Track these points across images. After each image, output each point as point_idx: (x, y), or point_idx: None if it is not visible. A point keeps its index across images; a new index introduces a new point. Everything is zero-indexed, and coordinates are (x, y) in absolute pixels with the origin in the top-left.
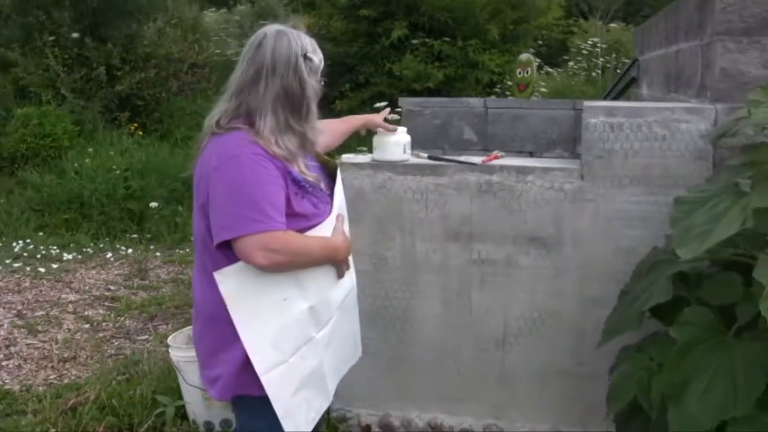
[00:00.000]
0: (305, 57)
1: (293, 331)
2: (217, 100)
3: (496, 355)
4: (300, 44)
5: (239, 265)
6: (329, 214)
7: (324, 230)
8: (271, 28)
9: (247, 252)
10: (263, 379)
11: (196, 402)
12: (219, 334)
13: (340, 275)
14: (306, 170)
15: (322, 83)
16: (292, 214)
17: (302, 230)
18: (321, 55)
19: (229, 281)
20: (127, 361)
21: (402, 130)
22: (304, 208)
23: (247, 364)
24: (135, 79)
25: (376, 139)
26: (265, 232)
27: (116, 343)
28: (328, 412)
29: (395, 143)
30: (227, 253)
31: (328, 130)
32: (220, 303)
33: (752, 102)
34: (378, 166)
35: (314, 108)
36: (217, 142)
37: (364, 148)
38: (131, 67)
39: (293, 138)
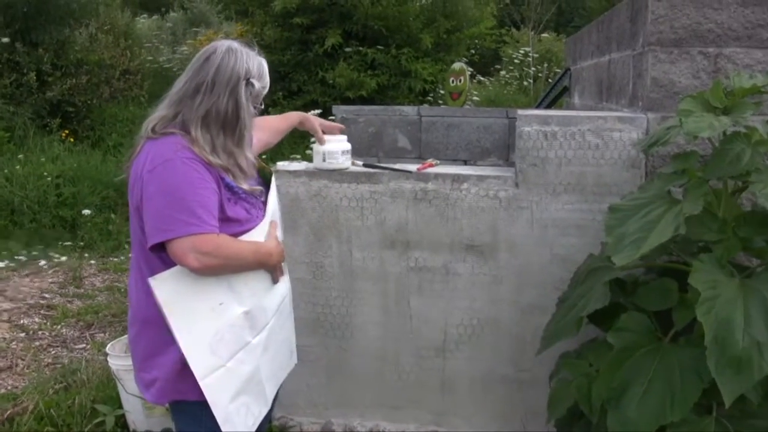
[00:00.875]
0: (247, 81)
1: (229, 336)
2: (157, 105)
3: (436, 362)
4: (246, 67)
5: (174, 270)
6: (262, 219)
7: (256, 235)
8: (223, 44)
9: (180, 254)
10: (202, 384)
11: (136, 411)
12: (155, 337)
13: (275, 281)
14: (241, 181)
15: (261, 107)
16: (225, 219)
17: (235, 235)
18: (267, 81)
19: (165, 286)
20: (65, 370)
21: (342, 138)
22: (236, 213)
23: (184, 368)
24: (66, 85)
25: (315, 147)
26: (198, 235)
27: (53, 352)
28: (270, 420)
29: (334, 151)
30: (162, 255)
31: (268, 128)
32: (155, 306)
33: (683, 111)
34: (313, 173)
35: (247, 134)
36: (152, 146)
37: (298, 156)
38: (63, 73)
39: (224, 155)
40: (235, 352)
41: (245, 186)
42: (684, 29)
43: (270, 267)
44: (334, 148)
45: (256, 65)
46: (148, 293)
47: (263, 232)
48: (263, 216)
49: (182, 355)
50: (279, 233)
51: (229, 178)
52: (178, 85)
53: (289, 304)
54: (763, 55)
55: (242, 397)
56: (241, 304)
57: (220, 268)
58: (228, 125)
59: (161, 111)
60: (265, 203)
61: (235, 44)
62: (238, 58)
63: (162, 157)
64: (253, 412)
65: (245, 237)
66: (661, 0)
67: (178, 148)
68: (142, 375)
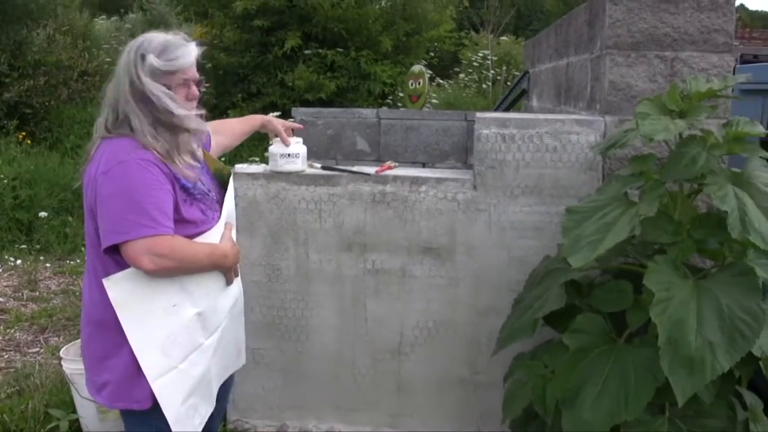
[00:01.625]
0: (142, 57)
1: (182, 338)
2: (101, 107)
3: (392, 365)
4: (145, 46)
5: (128, 271)
6: (218, 221)
7: (212, 237)
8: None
9: (134, 256)
10: (154, 386)
11: (90, 415)
12: (107, 339)
13: (229, 282)
14: (186, 170)
15: (197, 88)
16: (180, 220)
17: (190, 236)
18: (174, 57)
19: (118, 287)
20: (18, 374)
21: (298, 141)
22: (192, 215)
23: (136, 371)
24: (24, 86)
25: (271, 149)
26: (152, 237)
27: (6, 356)
28: (224, 423)
29: (290, 153)
30: (117, 258)
31: (226, 131)
32: (108, 308)
33: (640, 114)
34: (271, 176)
35: (168, 104)
36: (107, 146)
37: (257, 158)
38: (20, 74)
39: (165, 133)
40: (187, 354)
41: (191, 174)
42: (641, 33)
43: (225, 269)
44: (296, 149)
45: (160, 43)
46: (103, 294)
47: (218, 234)
48: (218, 218)
49: (134, 357)
50: (234, 235)
51: (183, 178)
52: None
53: (242, 304)
54: (719, 60)
55: (192, 398)
56: (194, 305)
57: (175, 270)
58: (147, 101)
59: (104, 110)
60: (220, 205)
61: (152, 33)
62: (142, 39)
63: (116, 159)
64: (201, 412)
65: (201, 239)
66: (618, 4)
67: (132, 149)
68: (93, 378)
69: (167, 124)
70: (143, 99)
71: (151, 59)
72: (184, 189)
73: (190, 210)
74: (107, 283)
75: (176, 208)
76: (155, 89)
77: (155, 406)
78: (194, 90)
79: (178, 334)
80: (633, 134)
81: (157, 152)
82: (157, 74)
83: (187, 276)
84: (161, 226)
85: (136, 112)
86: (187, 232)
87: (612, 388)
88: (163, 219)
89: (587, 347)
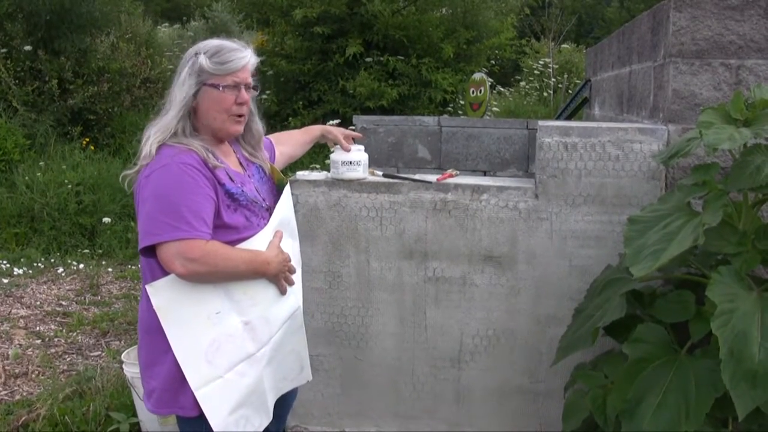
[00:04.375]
0: (195, 54)
1: (227, 346)
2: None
3: (451, 373)
4: (201, 47)
5: (171, 277)
6: (263, 228)
7: (257, 243)
8: None
9: (166, 259)
10: (197, 395)
11: (150, 419)
12: (154, 346)
13: (282, 292)
14: (229, 174)
15: (243, 92)
16: (221, 226)
17: (232, 242)
18: (224, 60)
19: (160, 294)
20: (80, 377)
21: (359, 148)
22: (234, 221)
23: (180, 378)
24: (87, 92)
25: (333, 157)
26: (184, 240)
27: (68, 359)
28: (284, 429)
29: (352, 161)
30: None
31: (289, 142)
32: (154, 314)
33: (703, 123)
34: (333, 183)
35: (184, 102)
36: (158, 152)
37: (318, 166)
38: (84, 81)
39: (206, 137)
40: (235, 364)
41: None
42: (705, 41)
43: (268, 276)
44: (358, 157)
45: (212, 44)
46: (148, 300)
47: (264, 241)
48: (265, 224)
49: (178, 364)
50: (288, 243)
51: (229, 183)
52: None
53: (300, 316)
54: None
55: (242, 409)
56: (240, 314)
57: (208, 275)
58: (179, 99)
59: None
60: (270, 212)
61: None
62: (199, 44)
63: (159, 163)
64: (254, 423)
65: (244, 245)
66: (682, 11)
67: (177, 153)
68: (144, 384)
69: (205, 128)
70: (185, 100)
71: (201, 59)
72: (229, 194)
73: (233, 216)
74: (150, 289)
75: (217, 214)
76: (187, 87)
77: (203, 414)
78: (244, 94)
79: (223, 342)
80: (696, 143)
81: (201, 156)
82: (205, 74)
83: (233, 284)
84: (195, 230)
85: (182, 114)
86: (227, 237)
87: (672, 400)
88: (198, 223)
89: (648, 358)
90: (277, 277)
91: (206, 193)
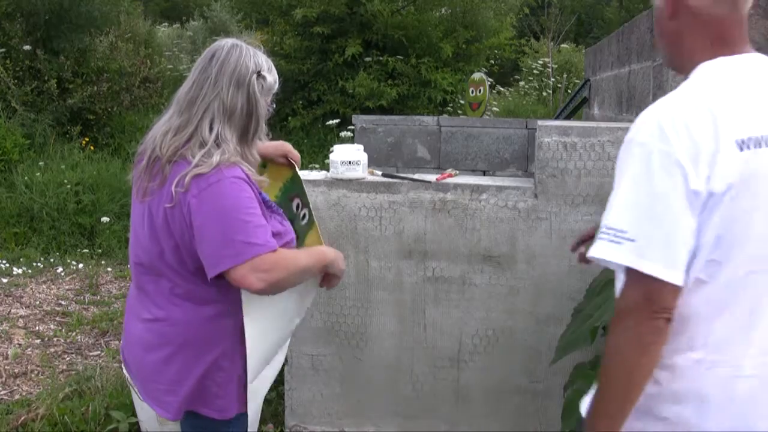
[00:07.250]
0: (258, 74)
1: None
2: (166, 111)
3: (451, 372)
4: (255, 61)
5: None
6: (292, 232)
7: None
8: (227, 41)
9: (240, 278)
10: (250, 388)
11: (150, 419)
12: (191, 357)
13: (335, 283)
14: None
15: (273, 106)
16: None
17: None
18: (276, 76)
19: (253, 298)
20: (79, 376)
21: (359, 148)
22: (276, 228)
23: (220, 383)
24: (87, 92)
25: (332, 156)
26: (256, 257)
27: (68, 359)
28: (282, 428)
29: (351, 161)
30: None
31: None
32: (200, 325)
33: None
34: (332, 183)
35: (262, 128)
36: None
37: (317, 165)
38: (83, 81)
39: (246, 148)
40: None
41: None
42: None
43: (329, 262)
44: (357, 157)
45: (265, 59)
46: (195, 311)
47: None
48: (292, 229)
49: (204, 376)
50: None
51: (263, 193)
52: (185, 88)
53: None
54: None
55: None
56: (299, 316)
57: (286, 282)
58: (237, 120)
59: (172, 120)
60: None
61: (239, 41)
62: (244, 52)
63: (207, 181)
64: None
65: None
66: None
67: (228, 167)
68: (156, 393)
69: (252, 141)
70: (248, 114)
71: (268, 78)
72: (265, 202)
73: (273, 223)
74: (245, 294)
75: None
76: (262, 110)
77: (216, 422)
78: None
79: (281, 344)
80: None
81: (245, 168)
82: (268, 92)
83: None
84: (268, 244)
85: (229, 126)
86: (278, 244)
87: None
88: (266, 236)
89: None
90: (335, 263)
91: (259, 204)
